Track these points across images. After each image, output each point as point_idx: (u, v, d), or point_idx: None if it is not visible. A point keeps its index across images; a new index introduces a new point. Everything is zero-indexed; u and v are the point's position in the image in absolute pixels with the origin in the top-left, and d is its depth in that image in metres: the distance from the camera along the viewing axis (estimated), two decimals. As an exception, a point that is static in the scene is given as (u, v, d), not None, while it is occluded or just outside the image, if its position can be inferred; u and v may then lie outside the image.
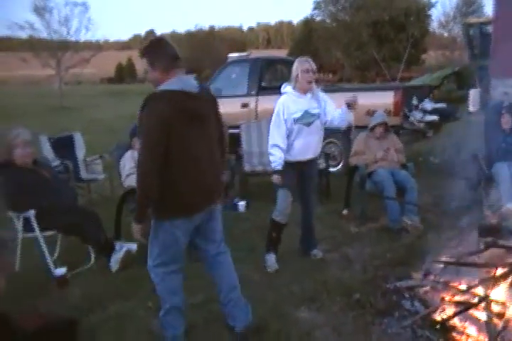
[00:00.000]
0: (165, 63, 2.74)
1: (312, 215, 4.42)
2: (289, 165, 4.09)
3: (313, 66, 4.04)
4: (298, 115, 4.03)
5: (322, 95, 4.16)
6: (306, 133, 4.07)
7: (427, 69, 27.74)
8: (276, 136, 4.07)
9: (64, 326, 2.79)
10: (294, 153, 4.10)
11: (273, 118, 4.12)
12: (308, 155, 4.15)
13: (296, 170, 4.14)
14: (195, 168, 2.76)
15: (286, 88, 4.14)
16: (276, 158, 4.05)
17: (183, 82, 2.76)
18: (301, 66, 4.04)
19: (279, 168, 4.05)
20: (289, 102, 4.07)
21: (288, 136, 4.06)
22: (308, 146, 4.12)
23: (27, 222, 4.15)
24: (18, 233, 4.20)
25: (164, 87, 2.72)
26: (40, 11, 28.10)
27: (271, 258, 4.23)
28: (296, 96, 4.08)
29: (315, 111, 4.07)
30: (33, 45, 27.80)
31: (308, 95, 4.09)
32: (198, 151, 2.78)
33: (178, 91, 2.70)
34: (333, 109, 4.12)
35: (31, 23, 28.46)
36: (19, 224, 4.20)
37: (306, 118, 4.04)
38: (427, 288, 3.32)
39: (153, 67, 2.76)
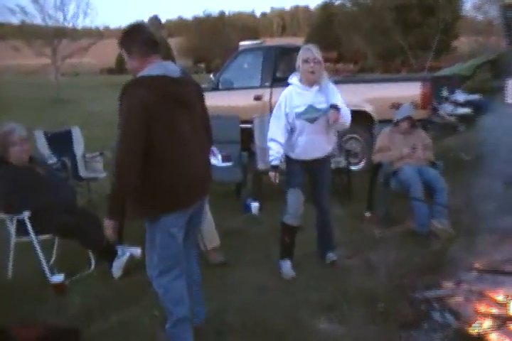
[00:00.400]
0: (142, 49, 2.80)
1: (327, 217, 4.39)
2: (294, 162, 4.10)
3: (316, 55, 3.93)
4: (301, 109, 3.97)
5: (332, 88, 4.03)
6: (309, 131, 4.01)
7: (459, 57, 27.45)
8: (274, 130, 4.07)
9: (65, 336, 2.83)
10: (298, 151, 4.09)
11: (274, 110, 4.13)
12: (314, 156, 4.11)
13: (303, 169, 4.14)
14: (185, 158, 2.80)
15: (293, 79, 4.11)
16: (274, 153, 4.05)
17: (164, 67, 2.81)
18: (302, 55, 3.98)
19: (276, 162, 4.05)
20: (292, 94, 4.04)
21: (291, 132, 4.05)
22: (312, 146, 4.06)
23: (21, 224, 4.18)
24: (11, 237, 4.24)
25: (144, 73, 2.77)
26: (33, -7, 28.03)
27: (286, 265, 4.23)
28: (301, 89, 4.03)
29: (321, 106, 3.97)
30: (26, 32, 27.74)
31: (315, 88, 4.01)
32: (186, 139, 2.82)
33: (159, 76, 2.75)
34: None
35: (23, 7, 28.42)
36: (12, 227, 4.23)
37: (310, 114, 3.97)
38: (460, 298, 3.30)
39: (130, 55, 2.83)
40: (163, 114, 2.70)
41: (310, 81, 4.00)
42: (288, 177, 4.14)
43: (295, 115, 3.98)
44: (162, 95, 2.71)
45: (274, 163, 4.06)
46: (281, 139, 4.02)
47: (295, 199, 4.13)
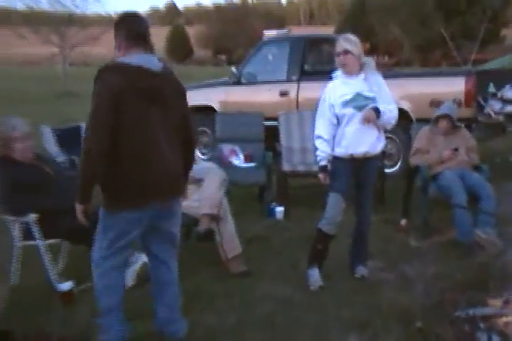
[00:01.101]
0: (124, 41, 2.97)
1: (366, 223, 4.38)
2: (341, 162, 4.10)
3: (345, 45, 4.00)
4: (348, 97, 4.01)
5: (379, 80, 4.09)
6: (358, 120, 4.00)
7: (508, 47, 27.11)
8: (320, 126, 4.13)
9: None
10: (345, 144, 4.07)
11: (318, 105, 4.17)
12: (363, 149, 4.08)
13: (351, 169, 4.12)
14: (151, 153, 2.93)
15: (337, 72, 4.19)
16: (320, 152, 4.12)
17: (143, 58, 2.93)
18: (335, 48, 4.10)
19: (324, 163, 4.10)
20: (336, 85, 4.11)
21: (338, 125, 4.07)
22: (362, 136, 4.05)
23: (26, 227, 4.22)
24: (16, 240, 4.28)
25: (121, 59, 2.91)
26: (39, -23, 28.21)
27: (314, 274, 4.22)
28: (346, 78, 4.09)
29: (369, 94, 4.02)
30: (32, 19, 27.90)
31: (361, 76, 4.06)
32: (155, 135, 2.93)
33: (134, 65, 2.86)
34: (386, 101, 4.04)
35: (29, -8, 28.64)
36: (17, 231, 4.27)
37: (359, 101, 4.00)
38: (509, 318, 3.25)
39: (115, 45, 3.00)
40: (132, 104, 2.83)
41: (349, 72, 4.06)
42: (332, 178, 4.14)
43: (342, 104, 4.01)
44: (133, 85, 2.83)
45: (322, 163, 4.12)
46: (327, 136, 4.07)
47: (335, 204, 4.13)
